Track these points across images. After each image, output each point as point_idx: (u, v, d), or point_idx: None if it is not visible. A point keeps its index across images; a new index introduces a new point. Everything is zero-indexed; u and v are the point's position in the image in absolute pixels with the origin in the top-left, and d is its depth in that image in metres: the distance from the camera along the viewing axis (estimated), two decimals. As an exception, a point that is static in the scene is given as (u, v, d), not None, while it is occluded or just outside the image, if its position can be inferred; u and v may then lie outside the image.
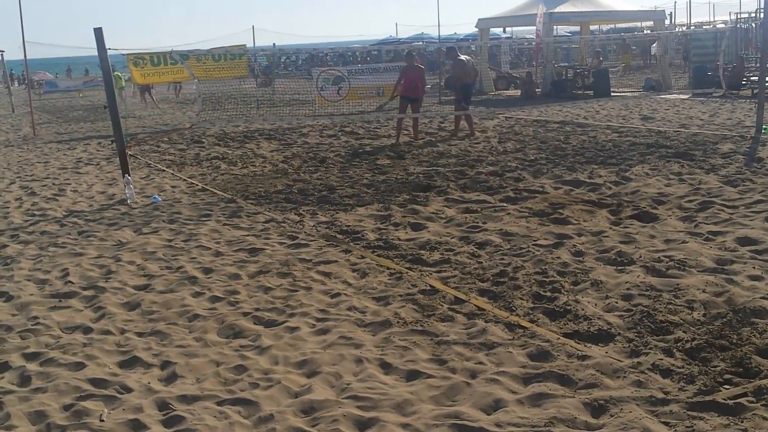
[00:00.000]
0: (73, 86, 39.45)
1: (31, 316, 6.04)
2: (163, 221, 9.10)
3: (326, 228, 8.37)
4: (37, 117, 22.96)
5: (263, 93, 27.40)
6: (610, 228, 7.78)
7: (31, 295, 6.60)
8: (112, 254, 7.75)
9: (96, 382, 4.74)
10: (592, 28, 38.97)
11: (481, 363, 4.76)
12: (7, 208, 10.47)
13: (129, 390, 4.63)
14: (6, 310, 6.23)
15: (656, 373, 4.44)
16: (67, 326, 5.80)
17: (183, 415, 4.26)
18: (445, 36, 53.40)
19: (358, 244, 7.64)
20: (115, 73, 34.43)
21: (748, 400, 4.06)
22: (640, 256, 6.67)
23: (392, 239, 7.73)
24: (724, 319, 5.14)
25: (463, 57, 16.74)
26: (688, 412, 3.99)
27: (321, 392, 4.47)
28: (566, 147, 13.38)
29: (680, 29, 39.37)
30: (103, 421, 4.26)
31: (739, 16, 35.09)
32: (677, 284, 5.89)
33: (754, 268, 6.20)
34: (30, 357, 5.22)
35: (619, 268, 6.44)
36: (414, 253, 7.22)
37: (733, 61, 24.37)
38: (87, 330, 5.69)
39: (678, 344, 4.81)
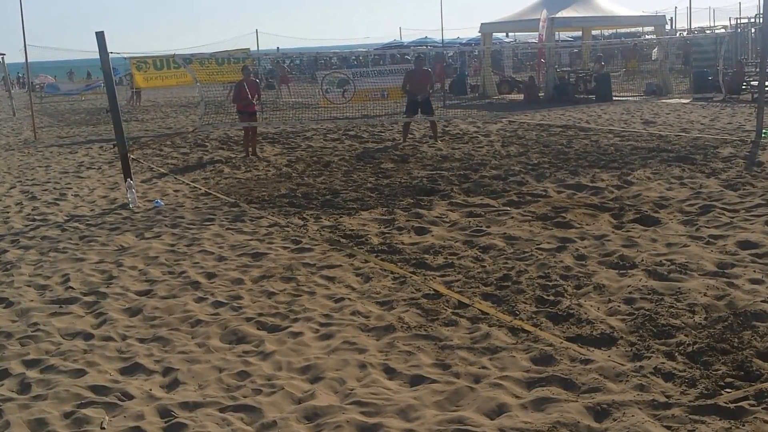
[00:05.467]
0: (75, 89, 39.31)
1: (31, 322, 6.02)
2: (166, 226, 9.09)
3: (330, 232, 8.36)
4: (38, 120, 22.92)
5: (266, 96, 27.40)
6: (613, 232, 7.77)
7: (32, 301, 6.58)
8: (113, 259, 7.74)
9: (97, 389, 4.72)
10: (593, 33, 39.01)
11: (484, 367, 4.76)
12: (8, 212, 10.45)
13: (130, 397, 4.62)
14: (6, 317, 6.21)
15: (658, 377, 4.44)
16: (68, 332, 5.78)
17: (185, 422, 4.25)
18: (448, 40, 53.54)
19: (362, 249, 7.63)
20: None
21: (749, 404, 4.06)
22: (642, 260, 6.68)
23: (396, 243, 7.73)
24: (726, 323, 5.14)
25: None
26: (690, 416, 3.99)
27: (324, 398, 4.46)
28: (569, 151, 13.38)
29: (681, 34, 39.37)
30: (104, 428, 4.25)
31: (738, 21, 35.09)
32: (679, 288, 5.89)
33: (754, 271, 6.20)
34: (30, 364, 5.20)
35: (621, 271, 6.44)
36: (418, 257, 7.21)
37: (733, 66, 24.37)
38: (88, 336, 5.67)
39: (680, 348, 4.81)
